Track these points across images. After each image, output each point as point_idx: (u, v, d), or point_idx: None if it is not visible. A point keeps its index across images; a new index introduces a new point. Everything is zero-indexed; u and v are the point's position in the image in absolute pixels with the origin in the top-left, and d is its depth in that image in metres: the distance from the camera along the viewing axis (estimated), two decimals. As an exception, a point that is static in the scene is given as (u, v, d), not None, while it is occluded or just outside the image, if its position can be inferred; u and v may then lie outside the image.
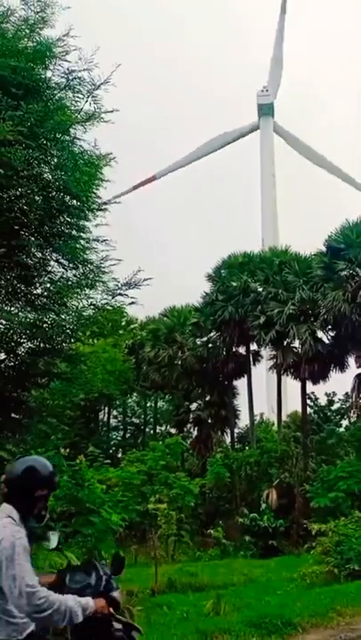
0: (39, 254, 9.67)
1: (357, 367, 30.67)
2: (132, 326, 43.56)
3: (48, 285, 9.59)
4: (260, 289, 32.28)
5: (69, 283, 9.57)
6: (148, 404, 45.58)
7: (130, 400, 45.16)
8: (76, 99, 9.25)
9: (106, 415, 45.46)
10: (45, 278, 9.67)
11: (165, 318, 39.92)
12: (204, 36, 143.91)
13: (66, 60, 8.90)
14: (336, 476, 24.12)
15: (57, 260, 9.85)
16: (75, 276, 9.71)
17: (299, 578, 14.50)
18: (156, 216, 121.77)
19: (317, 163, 66.46)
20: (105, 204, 10.02)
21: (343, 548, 14.55)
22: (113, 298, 9.80)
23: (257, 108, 68.36)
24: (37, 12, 8.74)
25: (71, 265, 9.73)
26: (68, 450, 17.37)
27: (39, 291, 9.77)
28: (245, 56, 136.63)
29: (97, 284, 9.79)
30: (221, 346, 34.48)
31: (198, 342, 35.99)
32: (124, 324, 43.82)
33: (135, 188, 65.31)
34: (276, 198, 65.78)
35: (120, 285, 9.70)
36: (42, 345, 9.40)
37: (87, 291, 9.79)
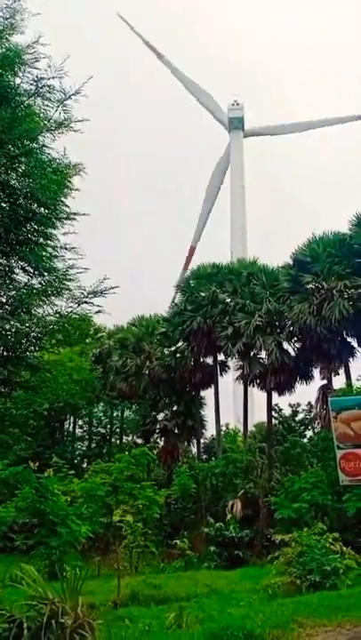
0: (4, 261, 9.55)
1: (322, 379, 31.10)
2: (99, 335, 43.25)
3: (12, 293, 9.46)
4: (229, 300, 32.49)
5: (34, 290, 9.47)
6: (115, 414, 45.23)
7: (96, 409, 44.74)
8: (46, 107, 9.20)
9: (71, 425, 44.93)
10: (10, 286, 9.54)
11: (134, 327, 39.82)
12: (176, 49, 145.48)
13: (35, 68, 8.85)
14: (300, 487, 24.28)
15: (22, 268, 9.73)
16: (40, 283, 9.61)
17: (261, 589, 14.53)
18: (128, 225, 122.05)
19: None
20: (74, 214, 9.96)
21: (306, 558, 14.68)
22: (79, 306, 9.73)
23: (228, 122, 69.29)
24: (6, 19, 8.69)
25: (37, 272, 9.62)
26: (36, 463, 17.11)
27: (3, 299, 9.64)
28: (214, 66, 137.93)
29: (63, 291, 9.71)
30: (189, 356, 34.53)
31: (166, 352, 35.96)
32: (92, 332, 43.50)
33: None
34: (245, 210, 66.53)
35: (86, 293, 9.64)
36: (4, 353, 9.25)
37: (52, 298, 9.70)
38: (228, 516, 26.98)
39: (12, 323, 9.36)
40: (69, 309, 9.81)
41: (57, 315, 9.75)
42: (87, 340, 42.20)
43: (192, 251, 68.62)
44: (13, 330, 9.16)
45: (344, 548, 15.66)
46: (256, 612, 10.65)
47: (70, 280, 9.68)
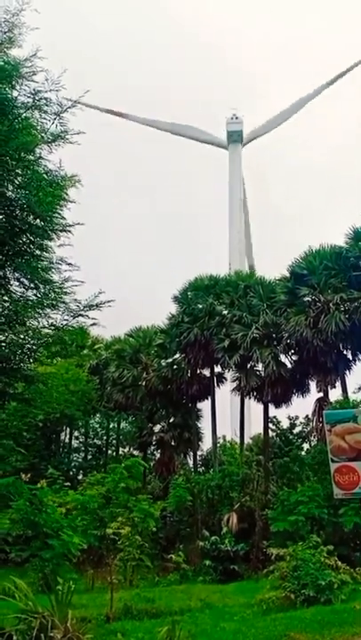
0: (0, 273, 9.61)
1: (318, 391, 31.05)
2: (96, 346, 43.21)
3: (7, 304, 9.50)
4: (226, 312, 32.50)
5: (29, 302, 9.51)
6: (111, 426, 45.08)
7: (92, 421, 44.59)
8: (43, 119, 9.31)
9: (67, 436, 44.74)
10: (5, 297, 9.58)
11: (131, 338, 39.76)
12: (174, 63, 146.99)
13: (33, 81, 8.98)
14: (296, 499, 24.15)
15: (18, 279, 9.79)
16: (35, 295, 9.67)
17: (256, 604, 14.42)
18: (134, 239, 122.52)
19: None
20: (70, 225, 10.03)
21: (300, 573, 14.58)
22: (74, 318, 9.78)
23: (226, 135, 69.85)
24: (5, 32, 8.81)
25: (32, 284, 9.69)
26: (29, 475, 17.03)
27: (-2, 310, 9.68)
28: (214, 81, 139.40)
29: (58, 304, 9.77)
30: (186, 367, 34.48)
31: (163, 363, 35.91)
32: (89, 343, 43.46)
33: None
34: (243, 223, 66.84)
35: (82, 306, 9.69)
36: (-2, 364, 9.29)
37: (48, 311, 9.75)
38: (224, 530, 26.81)
39: (7, 334, 9.39)
40: (65, 322, 9.86)
41: (52, 327, 9.80)
42: (84, 352, 42.14)
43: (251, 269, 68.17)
44: (8, 341, 9.18)
45: (339, 563, 15.54)
46: (249, 627, 10.59)
47: (66, 293, 9.74)
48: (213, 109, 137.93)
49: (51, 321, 9.53)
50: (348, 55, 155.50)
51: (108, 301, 9.38)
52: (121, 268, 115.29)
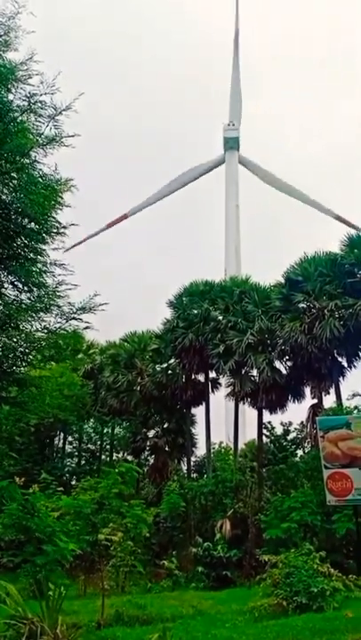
0: (-7, 276, 9.57)
1: (312, 398, 31.08)
2: (91, 351, 43.11)
3: (1, 308, 9.47)
4: (221, 317, 32.51)
5: (23, 306, 9.48)
6: (105, 431, 44.92)
7: (86, 426, 44.42)
8: (38, 122, 9.32)
9: (61, 441, 44.56)
10: (-1, 301, 9.56)
11: (126, 343, 39.72)
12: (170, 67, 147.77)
13: (28, 84, 8.99)
14: (289, 506, 24.12)
15: (12, 283, 9.76)
16: (29, 298, 9.64)
17: (248, 611, 14.36)
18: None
19: (282, 189, 68.35)
20: (64, 227, 10.02)
21: (293, 580, 14.52)
22: (67, 322, 9.75)
23: (223, 142, 70.05)
24: (0, 36, 8.82)
25: (26, 288, 9.66)
26: (22, 479, 16.93)
27: (-9, 313, 9.64)
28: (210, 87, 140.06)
29: (52, 307, 9.74)
30: (181, 373, 34.47)
31: (158, 368, 35.90)
32: (84, 348, 43.35)
33: (109, 226, 68.18)
34: (239, 229, 66.98)
35: (75, 310, 9.67)
36: (-10, 368, 9.24)
37: (41, 314, 9.72)
38: (217, 536, 26.71)
39: (0, 338, 9.36)
40: (58, 325, 9.83)
41: (45, 330, 9.77)
42: (79, 356, 42.04)
43: (123, 217, 69.49)
44: (0, 345, 9.15)
45: (331, 570, 15.48)
46: (240, 635, 10.55)
47: (60, 297, 9.72)
48: (205, 110, 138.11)
49: (44, 324, 9.49)
50: (348, 56, 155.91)
51: (102, 304, 9.37)
52: (117, 271, 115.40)
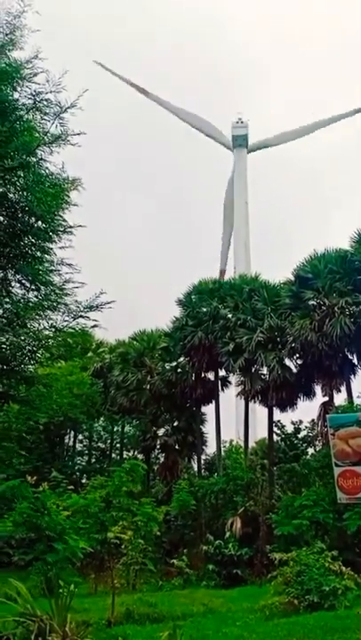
0: (1, 274, 9.58)
1: (323, 396, 30.90)
2: (101, 349, 43.19)
3: (8, 306, 9.47)
4: (230, 315, 32.41)
5: (30, 304, 9.48)
6: (115, 429, 45.01)
7: (96, 424, 44.54)
8: (44, 120, 9.30)
9: (71, 439, 44.70)
10: (6, 299, 9.56)
11: (135, 342, 39.72)
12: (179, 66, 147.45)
13: (34, 82, 8.97)
14: (301, 504, 24.02)
15: (19, 281, 9.76)
16: (36, 297, 9.64)
17: (259, 609, 14.30)
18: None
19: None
20: (71, 227, 10.01)
21: (304, 578, 14.45)
22: (74, 320, 9.74)
23: (231, 139, 69.93)
24: (6, 34, 8.82)
25: (33, 286, 9.66)
26: (34, 477, 16.98)
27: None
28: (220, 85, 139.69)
29: (59, 305, 9.73)
30: (190, 371, 34.40)
31: (167, 367, 35.83)
32: (93, 346, 43.45)
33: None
34: (248, 226, 66.83)
35: (82, 308, 9.65)
36: (-2, 366, 9.26)
37: (49, 312, 9.72)
38: (228, 534, 26.67)
39: (8, 336, 9.37)
40: (65, 323, 9.82)
41: (52, 328, 9.77)
42: (88, 354, 42.14)
43: (222, 274, 66.97)
44: (8, 343, 9.15)
45: (343, 568, 15.39)
46: (251, 633, 10.50)
47: (67, 295, 9.71)
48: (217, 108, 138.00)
49: (51, 322, 9.48)
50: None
51: (109, 302, 9.34)
52: (122, 269, 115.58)
